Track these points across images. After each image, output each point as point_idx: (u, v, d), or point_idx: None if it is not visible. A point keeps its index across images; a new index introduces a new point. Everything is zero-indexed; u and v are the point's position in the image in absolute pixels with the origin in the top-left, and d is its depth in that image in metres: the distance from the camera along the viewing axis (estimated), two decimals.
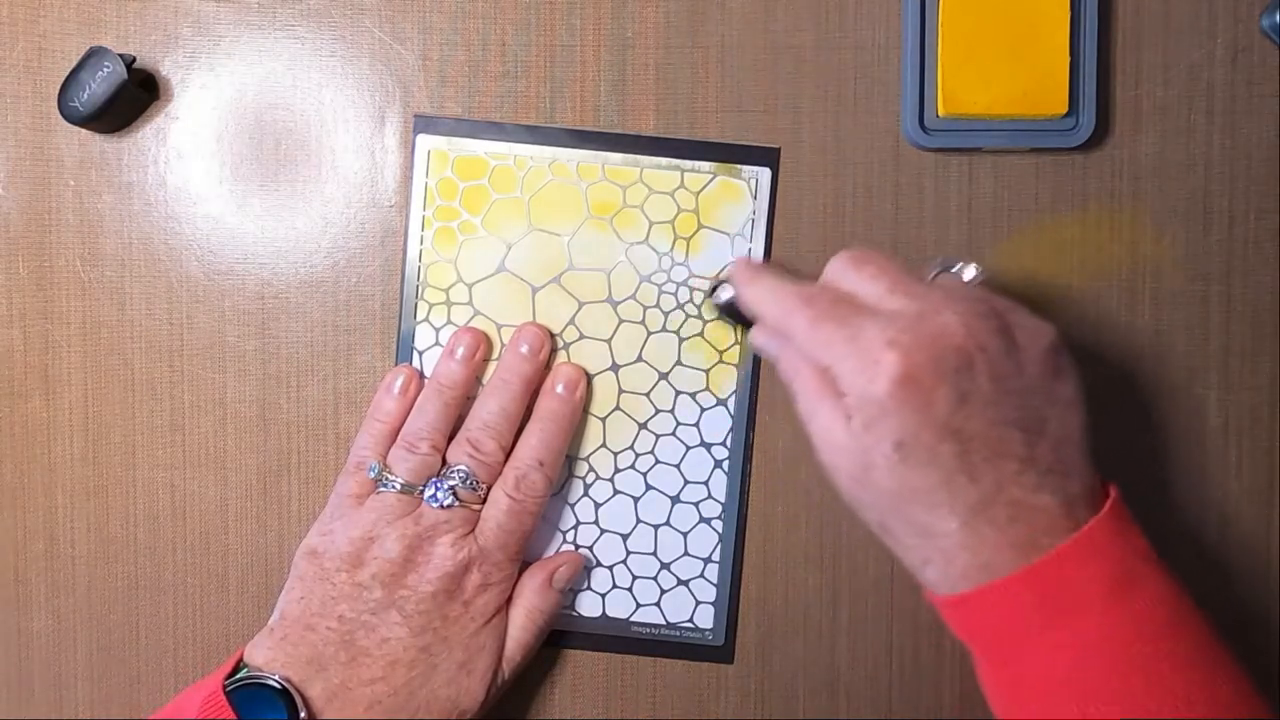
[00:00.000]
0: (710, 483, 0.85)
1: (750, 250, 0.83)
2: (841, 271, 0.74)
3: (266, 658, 0.77)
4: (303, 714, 0.74)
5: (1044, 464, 0.68)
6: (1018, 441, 0.68)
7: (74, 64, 0.81)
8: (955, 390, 0.67)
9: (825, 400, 0.70)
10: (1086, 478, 0.70)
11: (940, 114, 0.82)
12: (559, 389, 0.83)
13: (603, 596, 0.85)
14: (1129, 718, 0.66)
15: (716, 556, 0.85)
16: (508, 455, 0.81)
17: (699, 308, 0.84)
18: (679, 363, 0.84)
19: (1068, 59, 0.81)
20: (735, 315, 0.81)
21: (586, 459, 0.85)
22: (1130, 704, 0.66)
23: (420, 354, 0.84)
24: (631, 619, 0.85)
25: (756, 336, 0.78)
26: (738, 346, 0.84)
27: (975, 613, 0.69)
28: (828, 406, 0.70)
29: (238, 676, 0.76)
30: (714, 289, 0.82)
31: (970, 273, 0.77)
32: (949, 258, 0.79)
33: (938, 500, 0.67)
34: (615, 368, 0.84)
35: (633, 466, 0.85)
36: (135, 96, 0.83)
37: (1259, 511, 0.84)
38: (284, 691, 0.75)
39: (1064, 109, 0.81)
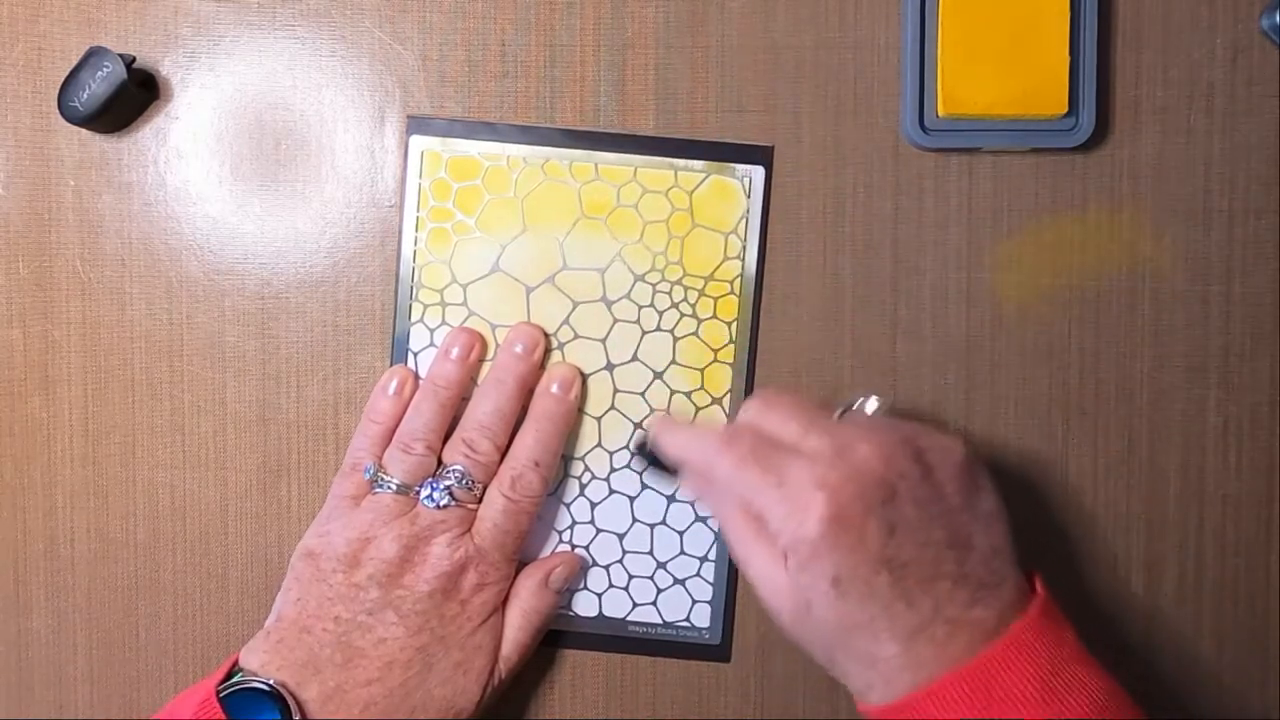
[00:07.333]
0: None
1: (745, 249, 0.84)
2: (756, 414, 0.76)
3: (262, 661, 0.77)
4: (296, 718, 0.74)
5: (975, 579, 0.70)
6: (949, 560, 0.70)
7: (74, 64, 0.81)
8: (884, 522, 0.69)
9: (760, 544, 0.73)
10: (1016, 583, 0.71)
11: (940, 114, 0.82)
12: (554, 389, 0.83)
13: (599, 596, 0.85)
14: None
15: (713, 555, 0.85)
16: (503, 455, 0.81)
17: (629, 465, 0.85)
18: (674, 362, 0.84)
19: (1068, 59, 0.81)
20: (661, 466, 0.81)
21: (582, 459, 0.85)
22: None
23: (415, 355, 0.84)
24: (628, 618, 0.85)
25: (684, 486, 0.81)
26: (733, 345, 0.84)
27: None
28: (762, 549, 0.72)
29: (231, 681, 0.76)
30: (639, 443, 0.83)
31: (872, 405, 0.78)
32: (850, 396, 0.79)
33: (878, 628, 0.69)
34: (610, 367, 0.84)
35: (628, 466, 0.85)
36: (135, 96, 0.83)
37: (1259, 511, 0.84)
38: (278, 695, 0.75)
39: (1064, 109, 0.81)
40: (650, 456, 0.81)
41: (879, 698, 0.70)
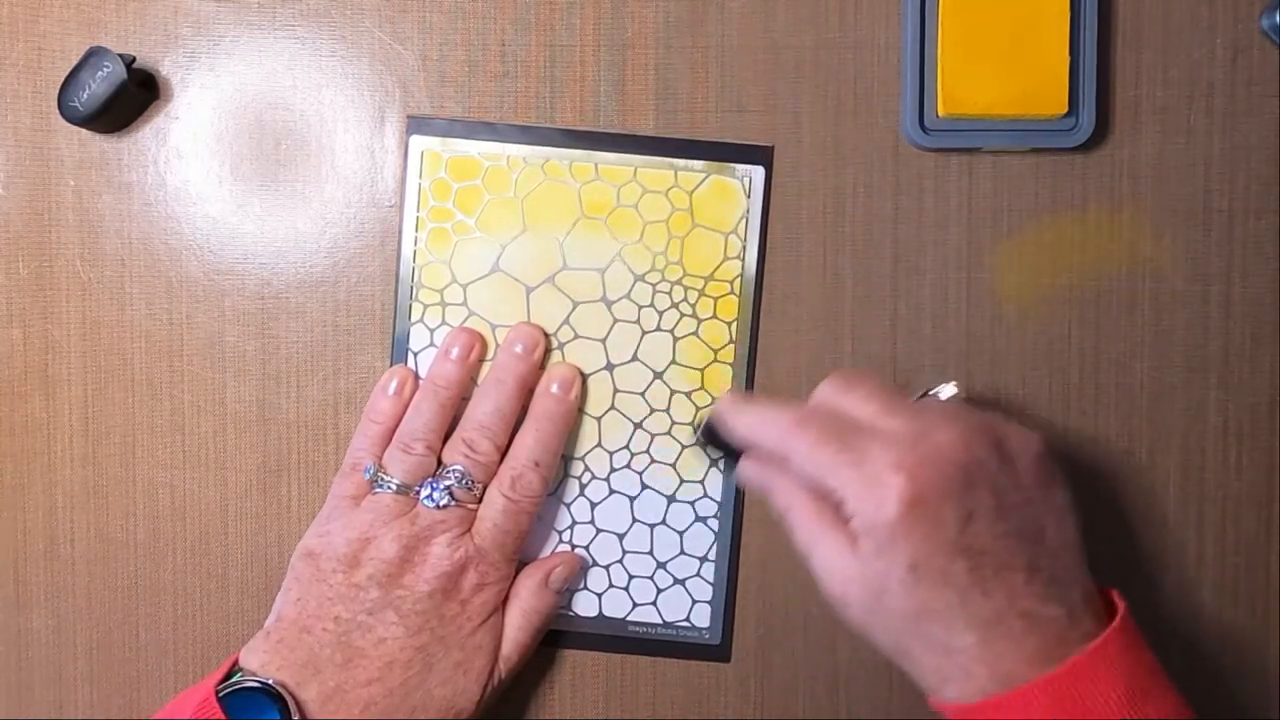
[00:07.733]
0: (706, 481, 0.85)
1: (745, 249, 0.84)
2: (833, 394, 0.75)
3: (261, 661, 0.77)
4: (296, 717, 0.74)
5: (1048, 572, 0.69)
6: (1023, 552, 0.68)
7: (74, 64, 0.81)
8: (962, 508, 0.68)
9: (827, 530, 0.71)
10: (1086, 584, 0.70)
11: (940, 114, 0.82)
12: (554, 389, 0.83)
13: (599, 596, 0.85)
14: None
15: (713, 555, 0.85)
16: (503, 455, 0.81)
17: (690, 445, 0.85)
18: (674, 362, 0.84)
19: (1068, 59, 0.81)
20: (724, 449, 0.79)
21: (582, 459, 0.85)
22: None
23: (415, 355, 0.84)
24: (628, 618, 0.85)
25: (745, 468, 0.78)
26: (733, 345, 0.84)
27: None
28: (831, 534, 0.70)
29: (231, 681, 0.76)
30: (700, 425, 0.81)
31: (948, 391, 0.77)
32: (927, 382, 0.79)
33: (954, 617, 0.67)
34: (610, 367, 0.84)
35: (628, 466, 0.85)
36: (135, 96, 0.83)
37: (1259, 511, 0.84)
38: (277, 695, 0.75)
39: (1064, 109, 0.81)
40: (713, 437, 0.79)
41: (956, 693, 0.69)
